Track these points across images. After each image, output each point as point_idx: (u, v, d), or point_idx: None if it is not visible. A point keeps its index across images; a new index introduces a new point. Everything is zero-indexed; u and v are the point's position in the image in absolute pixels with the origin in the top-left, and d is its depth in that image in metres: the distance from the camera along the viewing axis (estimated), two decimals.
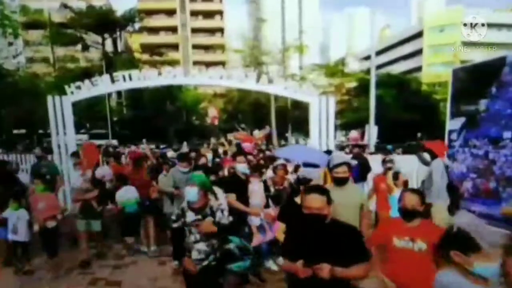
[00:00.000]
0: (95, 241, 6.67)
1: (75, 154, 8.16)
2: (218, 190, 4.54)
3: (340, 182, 3.80)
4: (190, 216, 3.59)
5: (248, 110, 43.10)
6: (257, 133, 17.21)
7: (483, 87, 6.11)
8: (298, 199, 3.81)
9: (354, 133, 33.99)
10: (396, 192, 5.44)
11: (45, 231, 5.74)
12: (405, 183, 6.26)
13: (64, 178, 9.21)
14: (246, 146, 12.14)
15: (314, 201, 2.49)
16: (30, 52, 40.48)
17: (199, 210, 3.57)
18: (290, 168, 7.37)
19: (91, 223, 6.25)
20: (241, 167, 5.66)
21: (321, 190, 2.61)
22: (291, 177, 6.65)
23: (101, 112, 33.52)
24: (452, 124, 6.97)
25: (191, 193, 3.47)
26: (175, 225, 3.73)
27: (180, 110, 42.89)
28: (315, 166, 5.26)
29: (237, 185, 5.47)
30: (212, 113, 39.85)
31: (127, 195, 6.49)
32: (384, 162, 6.95)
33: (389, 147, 20.75)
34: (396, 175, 6.07)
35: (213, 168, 7.03)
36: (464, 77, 6.81)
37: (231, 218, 3.65)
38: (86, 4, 36.49)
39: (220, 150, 12.94)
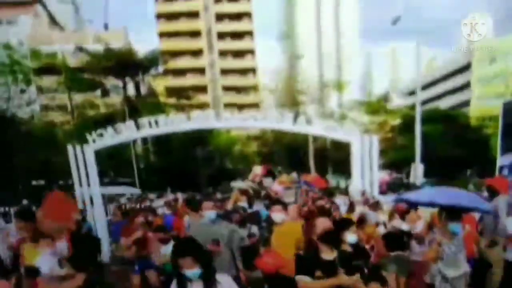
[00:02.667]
0: None
1: (21, 214, 4.43)
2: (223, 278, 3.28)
3: None
4: None
5: (284, 152, 43.40)
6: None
7: None
8: None
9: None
10: None
11: None
12: None
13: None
14: (276, 188, 11.72)
15: None
16: (45, 99, 39.91)
17: None
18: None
19: None
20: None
21: None
22: None
23: (126, 159, 33.25)
24: (503, 159, 7.06)
25: None
26: None
27: (213, 154, 43.34)
28: (468, 210, 4.20)
29: None
30: (257, 171, 40.14)
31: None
32: None
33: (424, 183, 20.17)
34: None
35: None
36: None
37: None
38: (104, 46, 35.59)
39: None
